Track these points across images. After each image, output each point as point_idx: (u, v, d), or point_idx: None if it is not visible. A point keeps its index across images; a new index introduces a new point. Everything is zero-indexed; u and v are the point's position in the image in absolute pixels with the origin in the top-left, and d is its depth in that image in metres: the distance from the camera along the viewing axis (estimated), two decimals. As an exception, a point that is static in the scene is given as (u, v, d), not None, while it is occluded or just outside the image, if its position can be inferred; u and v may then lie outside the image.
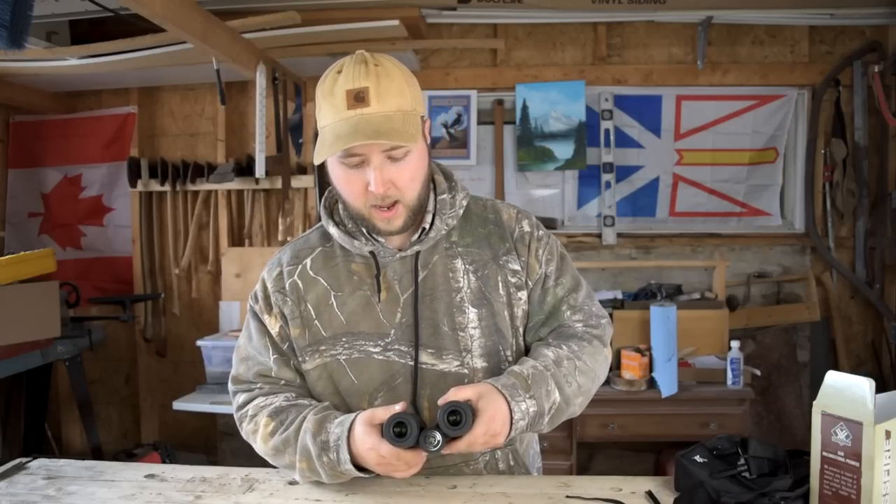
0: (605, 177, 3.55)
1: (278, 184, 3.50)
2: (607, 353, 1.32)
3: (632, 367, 2.84)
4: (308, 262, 1.27)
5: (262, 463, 1.27)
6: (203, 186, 3.64)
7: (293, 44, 3.20)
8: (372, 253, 1.23)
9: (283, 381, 1.28)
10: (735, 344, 2.84)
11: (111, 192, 3.84)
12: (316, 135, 1.15)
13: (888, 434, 0.96)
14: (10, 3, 1.71)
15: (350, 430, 1.12)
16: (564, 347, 1.23)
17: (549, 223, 3.38)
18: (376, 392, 1.22)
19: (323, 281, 1.25)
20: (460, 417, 1.06)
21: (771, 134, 3.52)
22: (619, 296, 3.21)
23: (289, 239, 3.42)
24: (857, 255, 3.49)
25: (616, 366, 2.90)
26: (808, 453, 1.07)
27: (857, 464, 0.97)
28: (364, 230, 1.23)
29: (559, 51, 3.60)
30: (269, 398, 1.25)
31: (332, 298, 1.24)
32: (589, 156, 3.54)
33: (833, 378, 1.02)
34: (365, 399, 1.22)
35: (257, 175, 3.23)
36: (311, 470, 1.16)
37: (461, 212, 1.27)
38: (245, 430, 1.27)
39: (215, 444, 3.48)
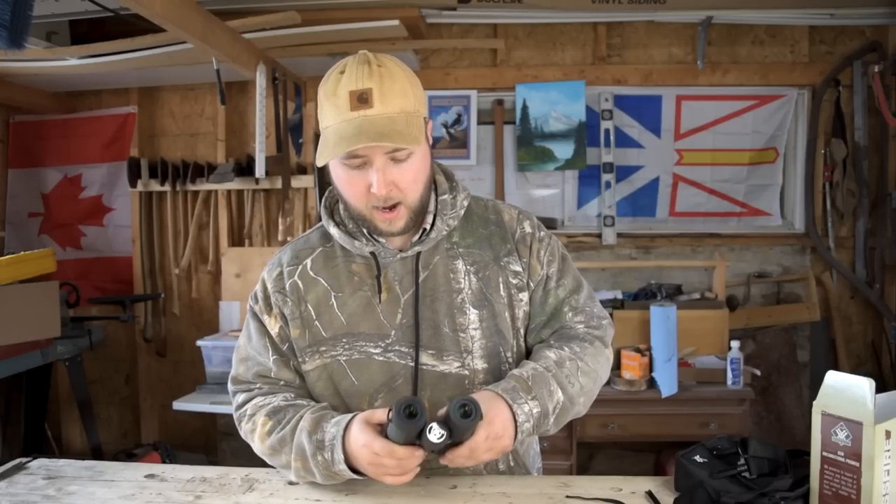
0: (605, 177, 3.55)
1: (278, 184, 3.50)
2: (609, 354, 1.31)
3: (632, 367, 2.84)
4: (308, 262, 1.27)
5: (262, 463, 1.27)
6: (203, 186, 3.64)
7: (293, 44, 3.20)
8: (372, 253, 1.23)
9: (282, 382, 1.27)
10: (735, 344, 2.84)
11: (111, 192, 3.84)
12: (317, 136, 1.15)
13: (888, 434, 0.96)
14: (10, 3, 1.71)
15: (346, 429, 1.11)
16: (566, 349, 1.23)
17: (549, 223, 3.38)
18: (376, 393, 1.21)
19: (323, 281, 1.25)
20: (471, 410, 1.04)
21: (771, 134, 3.52)
22: (619, 296, 3.21)
23: (289, 239, 3.42)
24: (857, 255, 3.49)
25: (616, 366, 2.90)
26: (808, 453, 1.07)
27: (857, 464, 0.97)
28: (365, 231, 1.23)
29: (559, 51, 3.60)
30: (267, 398, 1.25)
31: (333, 299, 1.24)
32: (589, 156, 3.54)
33: (833, 378, 1.02)
34: (365, 400, 1.22)
35: (257, 175, 3.23)
36: (306, 469, 1.16)
37: (462, 212, 1.27)
38: (243, 430, 1.27)
39: (215, 444, 3.48)
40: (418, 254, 1.23)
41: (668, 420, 2.84)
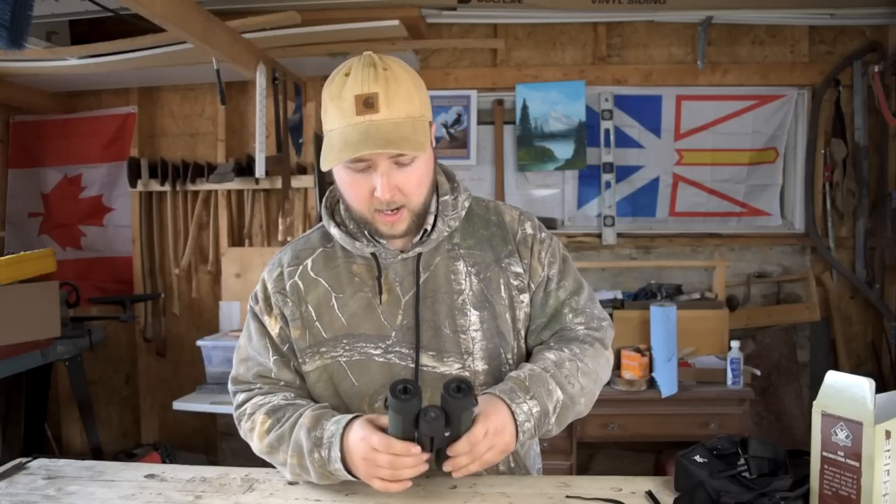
0: (605, 177, 3.55)
1: (278, 184, 3.50)
2: (609, 356, 1.31)
3: (632, 367, 2.84)
4: (309, 262, 1.27)
5: (262, 463, 1.26)
6: (203, 186, 3.64)
7: (293, 44, 3.20)
8: (373, 254, 1.23)
9: (282, 382, 1.27)
10: (735, 344, 2.84)
11: (111, 192, 3.84)
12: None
13: (888, 434, 0.96)
14: (10, 3, 1.71)
15: (346, 428, 1.11)
16: (566, 350, 1.23)
17: (549, 223, 3.38)
18: (376, 394, 1.21)
19: (324, 282, 1.25)
20: (464, 386, 1.04)
21: (771, 134, 3.52)
22: (619, 296, 3.21)
23: (289, 239, 3.43)
24: (857, 255, 3.49)
25: (616, 366, 2.90)
26: (808, 453, 1.07)
27: (857, 464, 0.97)
28: (366, 232, 1.22)
29: (559, 51, 3.60)
30: (267, 397, 1.25)
31: (333, 300, 1.24)
32: (589, 156, 3.54)
33: (833, 378, 1.02)
34: (365, 401, 1.22)
35: (257, 175, 3.23)
36: (301, 467, 1.15)
37: (463, 213, 1.27)
38: (243, 429, 1.27)
39: (215, 444, 3.48)
40: (419, 255, 1.23)
41: (668, 420, 2.84)
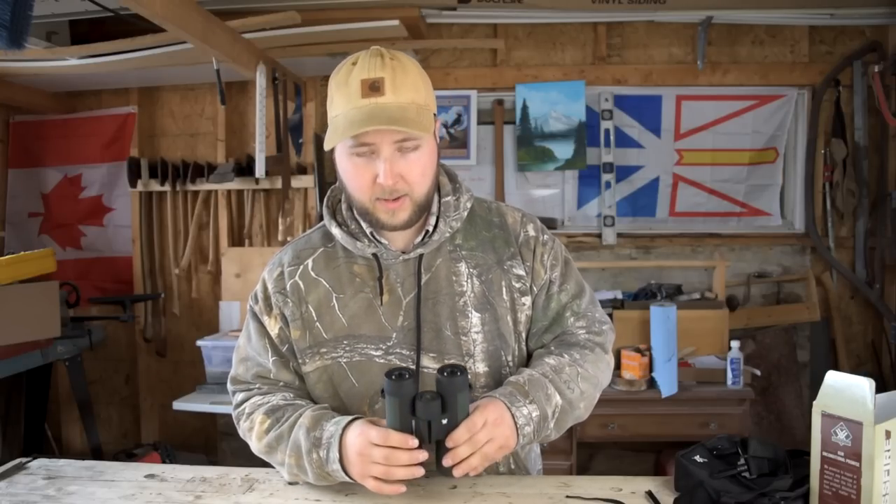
0: (605, 177, 3.55)
1: (278, 184, 3.50)
2: (609, 360, 1.31)
3: (632, 367, 2.84)
4: (310, 262, 1.26)
5: (262, 463, 1.26)
6: (203, 186, 3.64)
7: (293, 44, 3.20)
8: (375, 255, 1.22)
9: (281, 383, 1.27)
10: (735, 344, 2.84)
11: (111, 192, 3.84)
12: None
13: (888, 434, 0.96)
14: (10, 3, 1.71)
15: (345, 429, 1.10)
16: (566, 355, 1.23)
17: (549, 223, 3.38)
18: (377, 396, 1.20)
19: (324, 282, 1.24)
20: (457, 369, 1.06)
21: (771, 134, 3.52)
22: (619, 296, 3.21)
23: (289, 239, 3.43)
24: (857, 255, 3.49)
25: (616, 366, 2.89)
26: (808, 453, 1.07)
27: (857, 464, 0.97)
28: (368, 232, 1.22)
29: (559, 51, 3.60)
30: (266, 397, 1.25)
31: (334, 300, 1.23)
32: (589, 156, 3.54)
33: (833, 378, 1.02)
34: (365, 402, 1.22)
35: (257, 175, 3.23)
36: (299, 467, 1.15)
37: (465, 214, 1.26)
38: (241, 429, 1.27)
39: (215, 444, 3.48)
40: (421, 256, 1.22)
41: (668, 420, 2.84)
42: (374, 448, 1.05)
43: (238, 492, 1.21)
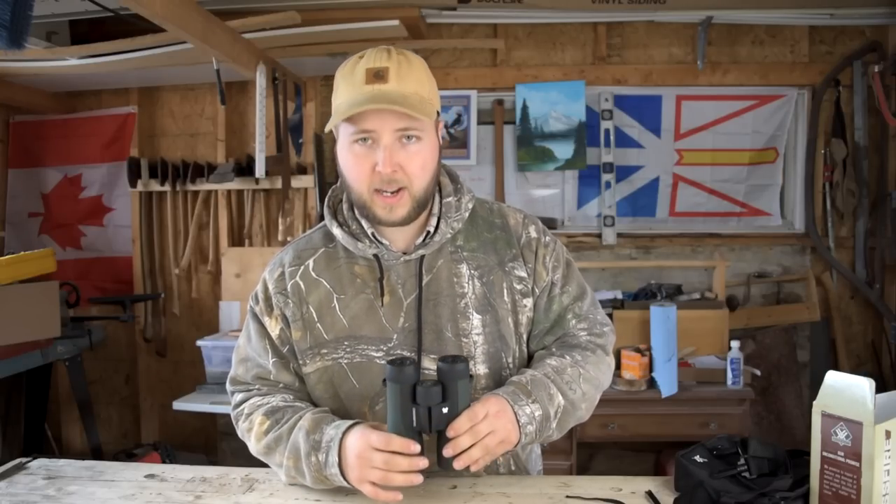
0: (605, 177, 3.55)
1: (278, 184, 3.50)
2: (610, 362, 1.31)
3: (632, 367, 2.84)
4: (311, 262, 1.26)
5: (262, 463, 1.26)
6: (203, 186, 3.64)
7: (293, 44, 3.20)
8: (376, 256, 1.22)
9: (281, 385, 1.27)
10: (735, 344, 2.84)
11: (111, 192, 3.84)
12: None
13: (888, 434, 0.96)
14: (10, 3, 1.71)
15: (345, 434, 1.10)
16: (567, 357, 1.23)
17: (549, 223, 3.38)
18: (377, 397, 1.20)
19: (325, 283, 1.24)
20: (457, 357, 1.07)
21: (771, 134, 3.52)
22: (619, 296, 3.21)
23: (289, 239, 3.43)
24: (857, 255, 3.49)
25: (616, 366, 2.89)
26: (808, 453, 1.07)
27: (857, 464, 0.97)
28: (369, 233, 1.22)
29: (559, 51, 3.60)
30: (265, 398, 1.25)
31: (335, 301, 1.23)
32: (589, 156, 3.54)
33: (833, 378, 1.02)
34: (366, 404, 1.22)
35: (257, 175, 3.23)
36: (297, 469, 1.15)
37: (467, 215, 1.26)
38: (240, 429, 1.26)
39: (215, 444, 3.48)
40: (422, 257, 1.22)
41: (668, 420, 2.84)
42: (374, 452, 1.05)
43: (238, 492, 1.21)
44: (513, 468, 1.28)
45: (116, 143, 3.80)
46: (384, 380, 1.08)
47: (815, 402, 1.03)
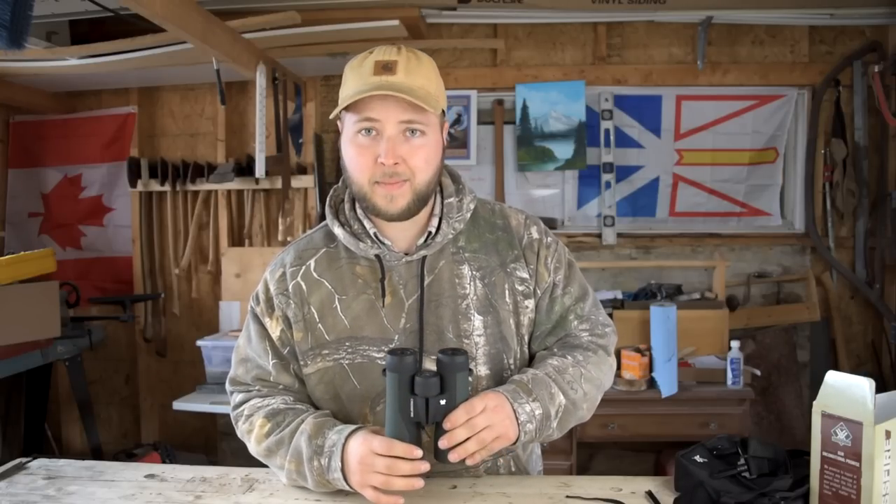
0: (605, 177, 3.55)
1: (278, 184, 3.50)
2: (612, 362, 1.31)
3: (632, 367, 2.84)
4: (312, 263, 1.26)
5: (262, 463, 1.26)
6: (203, 186, 3.64)
7: (293, 44, 3.20)
8: (377, 256, 1.21)
9: (281, 386, 1.27)
10: (735, 344, 2.84)
11: (111, 192, 3.84)
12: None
13: (888, 434, 0.96)
14: (10, 3, 1.71)
15: (347, 438, 1.10)
16: (569, 357, 1.23)
17: (550, 223, 3.37)
18: (378, 398, 1.20)
19: (327, 283, 1.24)
20: (457, 349, 1.08)
21: (771, 134, 3.52)
22: (619, 296, 3.21)
23: (289, 239, 3.43)
24: (857, 255, 3.49)
25: (616, 366, 2.89)
26: (808, 453, 1.07)
27: (857, 464, 0.97)
28: (371, 234, 1.21)
29: (559, 51, 3.60)
30: (265, 399, 1.24)
31: (336, 301, 1.22)
32: (589, 156, 3.54)
33: (833, 378, 1.02)
34: (367, 405, 1.21)
35: (257, 175, 3.23)
36: (299, 473, 1.15)
37: (468, 215, 1.26)
38: (240, 430, 1.26)
39: (215, 444, 3.48)
40: (423, 258, 1.22)
41: (668, 420, 2.84)
42: (376, 457, 1.05)
43: (238, 492, 1.21)
44: (513, 469, 1.28)
45: (116, 143, 3.80)
46: (384, 370, 1.08)
47: (815, 402, 1.03)
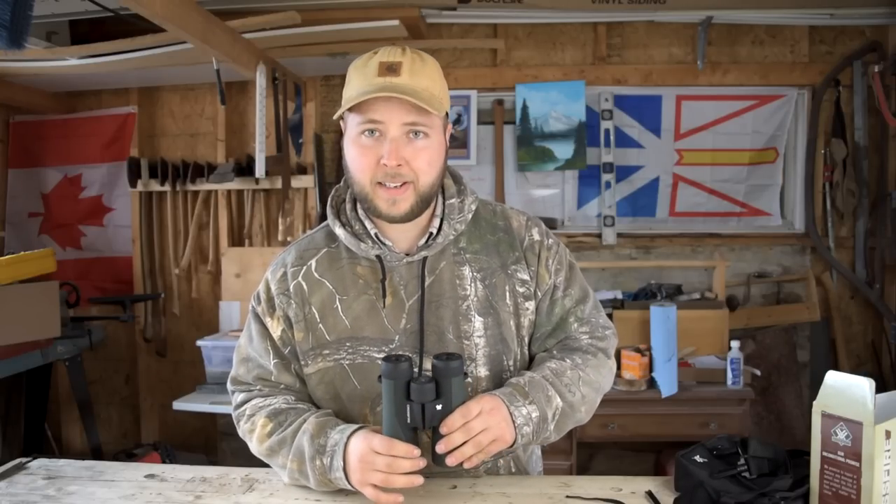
0: (605, 177, 3.55)
1: (278, 184, 3.50)
2: (612, 365, 1.31)
3: (632, 367, 2.84)
4: (313, 263, 1.26)
5: (263, 463, 1.26)
6: (203, 186, 3.64)
7: (293, 44, 3.20)
8: (378, 257, 1.21)
9: (282, 386, 1.27)
10: (735, 344, 2.84)
11: (111, 192, 3.84)
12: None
13: (888, 434, 0.96)
14: (10, 3, 1.71)
15: (349, 438, 1.10)
16: (568, 360, 1.23)
17: (550, 223, 3.38)
18: (378, 398, 1.18)
19: (328, 283, 1.24)
20: (452, 354, 1.09)
21: (771, 134, 3.52)
22: (619, 296, 3.21)
23: (289, 239, 3.43)
24: (857, 255, 3.49)
25: (616, 366, 2.89)
26: (808, 453, 1.07)
27: (857, 464, 0.97)
28: (372, 234, 1.21)
29: (559, 51, 3.60)
30: (267, 399, 1.24)
31: (337, 302, 1.22)
32: (589, 156, 3.54)
33: (833, 378, 1.02)
34: (367, 405, 1.21)
35: (257, 175, 3.23)
36: (301, 472, 1.15)
37: (470, 216, 1.25)
38: (242, 430, 1.26)
39: (215, 444, 3.48)
40: (424, 259, 1.22)
41: (668, 420, 2.84)
42: (376, 456, 1.05)
43: (238, 492, 1.21)
44: (513, 469, 1.28)
45: (116, 143, 3.80)
46: (379, 376, 1.08)
47: (815, 402, 1.03)
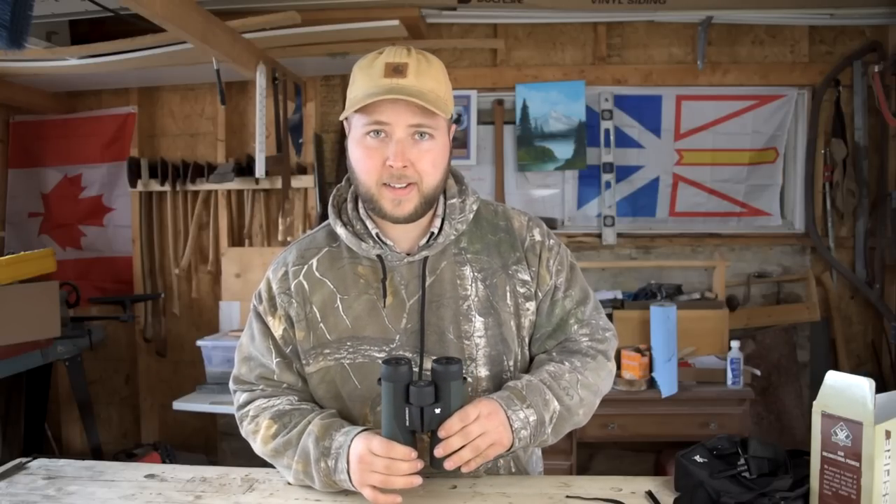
0: (605, 177, 3.55)
1: (278, 184, 3.50)
2: (611, 367, 1.31)
3: (632, 367, 2.84)
4: (314, 262, 1.26)
5: (263, 463, 1.26)
6: (203, 186, 3.64)
7: (293, 44, 3.20)
8: (379, 256, 1.21)
9: (284, 385, 1.27)
10: (735, 344, 2.84)
11: (111, 192, 3.84)
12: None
13: (888, 434, 0.96)
14: (10, 3, 1.71)
15: (353, 440, 1.11)
16: (567, 363, 1.22)
17: (550, 223, 3.37)
18: (379, 398, 1.19)
19: (329, 283, 1.24)
20: (451, 358, 1.09)
21: (771, 134, 3.52)
22: (619, 296, 3.21)
23: (289, 239, 3.43)
24: (857, 255, 3.49)
25: (616, 366, 2.89)
26: (808, 453, 1.07)
27: (857, 464, 0.97)
28: (374, 234, 1.21)
29: (559, 51, 3.60)
30: (270, 400, 1.24)
31: (338, 301, 1.22)
32: (589, 156, 3.54)
33: (833, 378, 1.02)
34: (367, 404, 1.21)
35: (257, 175, 3.23)
36: (306, 473, 1.15)
37: (471, 216, 1.25)
38: (245, 430, 1.26)
39: (215, 444, 3.48)
40: (425, 258, 1.22)
41: (668, 420, 2.84)
42: (375, 457, 1.06)
43: (238, 492, 1.21)
44: (513, 469, 1.28)
45: (116, 143, 3.80)
46: (379, 379, 1.09)
47: (815, 402, 1.03)
